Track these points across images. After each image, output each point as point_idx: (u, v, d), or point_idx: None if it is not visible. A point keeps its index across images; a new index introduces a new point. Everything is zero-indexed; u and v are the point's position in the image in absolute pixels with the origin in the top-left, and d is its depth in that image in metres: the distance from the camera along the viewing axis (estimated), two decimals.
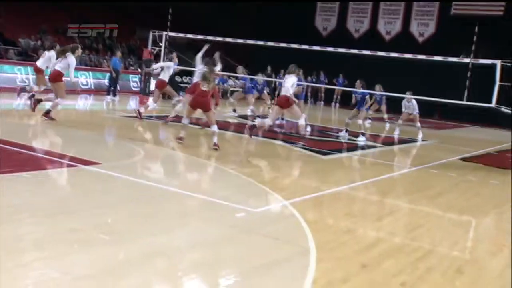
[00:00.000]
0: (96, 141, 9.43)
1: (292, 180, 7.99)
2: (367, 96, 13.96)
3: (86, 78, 19.11)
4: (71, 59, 10.70)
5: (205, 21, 26.51)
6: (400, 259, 4.55)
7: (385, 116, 17.49)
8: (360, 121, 13.22)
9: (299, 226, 5.20)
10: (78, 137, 9.42)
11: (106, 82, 18.61)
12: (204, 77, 9.65)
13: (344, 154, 10.96)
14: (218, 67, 13.33)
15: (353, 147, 11.89)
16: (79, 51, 11.22)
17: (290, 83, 10.59)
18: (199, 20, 26.83)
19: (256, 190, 6.59)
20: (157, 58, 17.63)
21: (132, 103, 17.03)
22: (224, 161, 8.43)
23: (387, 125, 16.98)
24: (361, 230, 5.35)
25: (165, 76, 12.54)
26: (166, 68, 12.66)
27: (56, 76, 10.78)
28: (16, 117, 11.54)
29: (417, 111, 14.83)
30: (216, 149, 9.03)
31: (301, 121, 11.07)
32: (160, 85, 12.58)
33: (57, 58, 11.17)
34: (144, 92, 17.95)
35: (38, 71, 12.22)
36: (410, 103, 14.77)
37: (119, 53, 17.96)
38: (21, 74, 17.08)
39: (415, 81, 19.03)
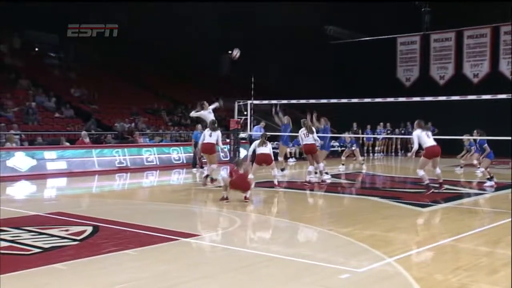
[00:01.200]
0: (193, 213, 9.70)
1: (393, 235, 7.70)
2: (485, 145, 13.64)
3: (178, 153, 19.83)
4: (219, 133, 12.77)
5: (285, 85, 27.15)
6: None
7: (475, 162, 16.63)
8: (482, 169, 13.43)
9: (407, 284, 4.97)
10: (175, 211, 9.70)
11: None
12: None
13: (444, 205, 10.47)
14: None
15: (454, 197, 11.35)
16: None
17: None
18: (280, 85, 27.52)
19: (356, 249, 6.41)
20: (244, 127, 18.18)
21: (223, 173, 17.41)
22: (320, 222, 8.31)
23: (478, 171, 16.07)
24: (476, 285, 5.00)
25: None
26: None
27: (212, 148, 12.69)
28: (114, 198, 12.11)
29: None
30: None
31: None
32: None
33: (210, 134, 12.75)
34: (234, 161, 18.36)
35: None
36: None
37: (199, 126, 18.52)
38: (119, 156, 18.06)
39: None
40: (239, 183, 10.34)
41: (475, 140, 14.60)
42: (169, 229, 7.50)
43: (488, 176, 13.21)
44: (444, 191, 11.86)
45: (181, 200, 11.00)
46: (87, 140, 18.14)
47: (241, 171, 10.46)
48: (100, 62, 26.14)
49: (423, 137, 11.35)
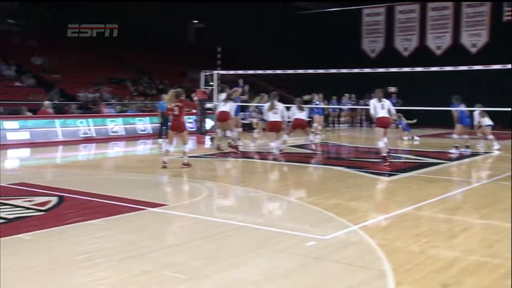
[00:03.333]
0: (158, 183, 9.69)
1: (357, 204, 7.85)
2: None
3: (143, 124, 19.66)
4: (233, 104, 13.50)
5: (253, 56, 27.01)
6: (483, 277, 4.36)
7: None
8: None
9: (371, 250, 5.10)
10: (141, 181, 9.65)
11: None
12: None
13: (408, 174, 10.69)
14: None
15: (416, 166, 11.61)
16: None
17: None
18: (248, 55, 27.37)
19: (322, 217, 6.52)
20: (210, 97, 18.16)
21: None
22: (287, 191, 8.40)
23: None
24: (436, 250, 5.17)
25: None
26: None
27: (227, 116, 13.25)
28: (78, 168, 11.96)
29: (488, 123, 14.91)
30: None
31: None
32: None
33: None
34: (200, 132, 18.27)
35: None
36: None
37: (165, 96, 18.28)
38: (83, 126, 17.79)
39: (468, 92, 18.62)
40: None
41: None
42: (135, 199, 7.46)
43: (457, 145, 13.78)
44: (410, 160, 12.13)
45: (147, 170, 10.94)
46: (50, 110, 17.77)
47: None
48: (62, 30, 25.37)
49: (377, 107, 11.56)
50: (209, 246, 5.30)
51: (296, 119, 13.27)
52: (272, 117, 12.41)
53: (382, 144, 11.56)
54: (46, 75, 22.38)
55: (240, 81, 19.39)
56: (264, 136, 13.48)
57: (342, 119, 25.38)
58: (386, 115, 11.57)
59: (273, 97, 12.74)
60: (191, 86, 22.11)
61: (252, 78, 22.06)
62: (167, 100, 11.04)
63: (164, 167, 10.67)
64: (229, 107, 13.39)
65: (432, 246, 5.32)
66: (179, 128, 10.89)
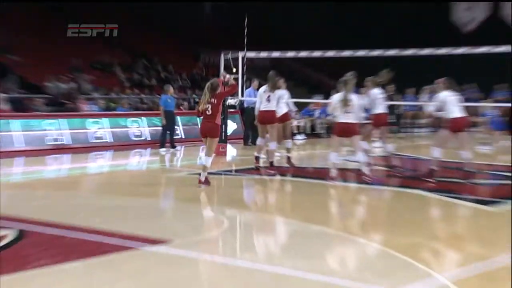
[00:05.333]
0: (160, 211, 9.70)
1: (446, 245, 7.70)
2: None
3: (139, 127, 19.78)
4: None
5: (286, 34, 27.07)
6: None
7: None
8: None
9: None
10: (135, 208, 9.67)
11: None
12: None
13: None
14: None
15: None
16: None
17: None
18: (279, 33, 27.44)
19: (394, 263, 6.43)
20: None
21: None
22: (342, 225, 8.31)
23: None
24: None
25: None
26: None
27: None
28: (46, 189, 12.04)
29: None
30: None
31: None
32: None
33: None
34: (220, 139, 18.25)
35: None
36: None
37: (170, 89, 18.31)
38: (53, 130, 17.93)
39: None
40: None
41: None
42: (126, 233, 7.47)
43: None
44: None
45: (144, 192, 10.97)
46: (4, 106, 17.99)
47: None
48: None
49: (451, 102, 11.79)
50: None
51: (378, 115, 13.31)
52: (344, 116, 11.93)
53: (437, 153, 12.04)
54: None
55: None
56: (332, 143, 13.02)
57: (421, 121, 25.11)
58: (462, 114, 11.78)
59: (350, 83, 12.04)
60: (205, 74, 22.22)
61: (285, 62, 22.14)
62: (204, 100, 11.19)
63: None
64: (276, 103, 13.27)
65: None
66: (212, 132, 11.17)
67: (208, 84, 11.32)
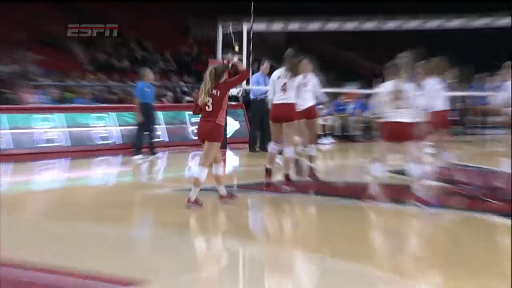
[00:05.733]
0: (133, 241, 9.74)
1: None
2: None
3: (105, 126, 19.83)
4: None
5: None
6: None
7: None
8: None
9: None
10: (101, 237, 9.69)
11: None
12: None
13: None
14: None
15: None
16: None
17: None
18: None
19: None
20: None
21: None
22: (392, 263, 8.38)
23: None
24: None
25: None
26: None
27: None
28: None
29: None
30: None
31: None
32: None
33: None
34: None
35: None
36: None
37: (149, 75, 18.31)
38: None
39: None
40: None
41: None
42: (85, 272, 7.48)
43: None
44: None
45: (112, 215, 11.06)
46: None
47: None
48: None
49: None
50: None
51: (435, 113, 13.35)
52: (395, 114, 11.93)
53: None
54: None
55: None
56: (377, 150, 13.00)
57: (496, 119, 25.13)
58: None
59: (404, 67, 12.01)
60: (198, 53, 22.31)
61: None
62: (203, 92, 11.20)
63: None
64: (295, 93, 13.21)
65: None
66: (211, 134, 11.29)
67: (210, 69, 11.35)
